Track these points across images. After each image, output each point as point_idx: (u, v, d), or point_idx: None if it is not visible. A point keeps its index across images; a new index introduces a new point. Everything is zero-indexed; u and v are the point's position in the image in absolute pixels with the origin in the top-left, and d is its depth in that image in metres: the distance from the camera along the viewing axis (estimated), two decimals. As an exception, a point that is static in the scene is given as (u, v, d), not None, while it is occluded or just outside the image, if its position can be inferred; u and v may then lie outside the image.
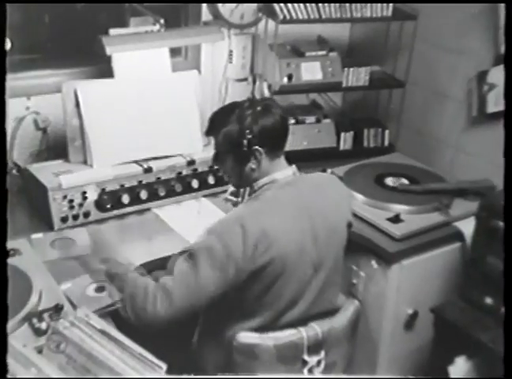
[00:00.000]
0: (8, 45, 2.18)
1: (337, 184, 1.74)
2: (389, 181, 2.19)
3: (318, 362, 1.65)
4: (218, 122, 1.61)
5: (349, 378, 1.74)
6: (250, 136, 1.53)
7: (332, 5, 2.28)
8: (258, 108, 1.56)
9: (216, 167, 2.08)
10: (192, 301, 1.49)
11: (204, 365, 1.67)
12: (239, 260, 1.47)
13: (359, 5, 2.31)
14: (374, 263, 1.95)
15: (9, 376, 1.02)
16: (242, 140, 1.54)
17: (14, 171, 2.04)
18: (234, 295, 1.54)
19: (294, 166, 1.64)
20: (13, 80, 2.09)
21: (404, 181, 2.20)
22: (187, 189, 2.09)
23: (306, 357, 1.63)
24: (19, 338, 1.20)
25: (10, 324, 1.35)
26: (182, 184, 2.08)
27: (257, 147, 1.55)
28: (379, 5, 2.33)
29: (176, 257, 1.58)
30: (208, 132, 1.66)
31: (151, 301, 1.47)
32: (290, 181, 1.60)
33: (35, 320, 1.38)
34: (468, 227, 1.97)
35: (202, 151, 2.15)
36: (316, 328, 1.63)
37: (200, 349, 1.69)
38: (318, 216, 1.59)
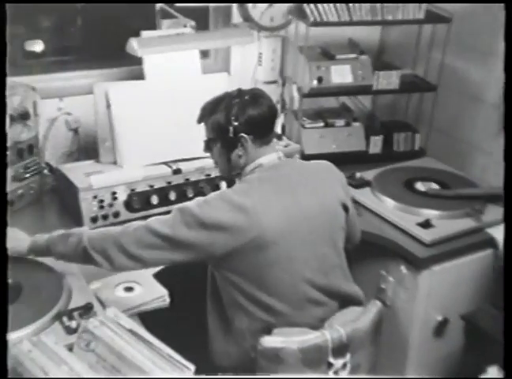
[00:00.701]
0: (41, 47, 2.24)
1: (330, 168, 1.74)
2: (420, 185, 2.16)
3: (344, 365, 1.64)
4: (208, 110, 1.66)
5: (354, 378, 1.71)
6: (236, 124, 1.59)
7: (363, 7, 2.27)
8: (246, 97, 1.61)
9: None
10: (161, 249, 1.50)
11: (222, 365, 1.67)
12: (215, 229, 1.49)
13: (390, 7, 2.29)
14: (403, 268, 1.93)
15: (41, 372, 1.03)
16: (228, 127, 1.59)
17: (46, 171, 2.07)
18: (230, 281, 1.56)
19: (280, 152, 1.68)
20: (45, 82, 2.14)
21: (435, 185, 2.17)
22: (215, 191, 2.09)
23: (331, 359, 1.61)
24: (50, 335, 1.20)
25: (42, 322, 1.37)
26: (210, 186, 2.08)
27: (243, 134, 1.60)
28: (411, 7, 2.30)
29: None
30: (199, 119, 1.70)
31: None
32: (275, 164, 1.63)
33: (65, 319, 1.39)
34: (500, 233, 1.92)
35: (231, 153, 2.15)
36: (340, 330, 1.61)
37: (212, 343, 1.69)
38: (304, 195, 1.60)
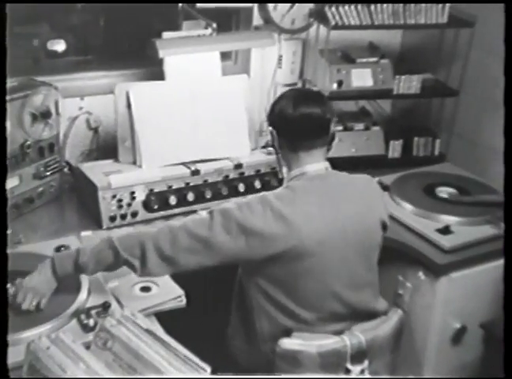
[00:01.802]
0: (63, 46, 2.26)
1: (372, 183, 1.72)
2: (440, 191, 2.14)
3: (362, 371, 1.63)
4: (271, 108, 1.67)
5: (354, 378, 1.69)
6: (273, 128, 1.63)
7: (385, 10, 2.26)
8: (286, 101, 1.60)
9: (262, 172, 2.11)
10: (195, 252, 1.48)
11: (239, 362, 1.67)
12: (254, 235, 1.47)
13: (413, 11, 2.27)
14: (421, 274, 1.91)
15: (59, 369, 1.03)
16: (271, 129, 1.64)
17: (66, 170, 2.09)
18: (258, 282, 1.55)
19: (327, 162, 1.64)
20: (67, 81, 2.16)
21: (455, 191, 2.14)
22: (233, 193, 2.09)
23: (349, 365, 1.60)
24: (68, 333, 1.21)
25: (60, 319, 1.38)
26: (228, 187, 2.08)
27: (280, 137, 1.61)
28: (434, 11, 2.29)
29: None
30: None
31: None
32: (321, 174, 1.60)
33: (83, 317, 1.40)
34: (521, 241, 1.90)
35: (250, 155, 2.15)
36: (360, 337, 1.60)
37: (232, 344, 1.69)
38: (346, 210, 1.57)
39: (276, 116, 1.62)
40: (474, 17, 2.31)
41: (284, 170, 1.69)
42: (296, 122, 1.58)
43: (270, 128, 1.63)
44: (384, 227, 1.68)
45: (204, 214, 1.54)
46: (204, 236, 1.47)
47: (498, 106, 2.33)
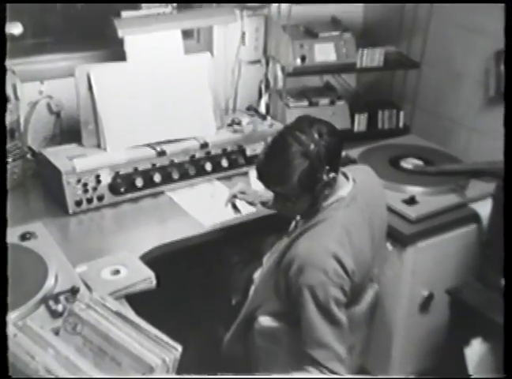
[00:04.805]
0: (20, 29, 2.19)
1: (376, 178, 1.72)
2: (404, 163, 2.17)
3: None
4: (281, 170, 1.41)
5: (355, 378, 1.73)
6: (327, 167, 1.41)
7: (346, -16, 2.25)
8: (314, 134, 1.40)
9: (229, 150, 2.09)
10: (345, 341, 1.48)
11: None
12: (348, 286, 1.47)
13: (373, -17, 2.27)
14: (389, 245, 1.94)
15: (27, 356, 1.03)
16: (319, 175, 1.41)
17: (29, 156, 2.05)
18: None
19: (350, 175, 1.56)
20: (25, 65, 2.11)
21: (419, 162, 2.17)
22: (201, 172, 2.08)
23: None
24: (36, 320, 1.21)
25: (27, 306, 1.36)
26: (195, 167, 2.07)
27: (331, 173, 1.44)
28: (394, -17, 2.29)
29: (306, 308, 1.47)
30: (274, 186, 1.47)
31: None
32: (353, 196, 1.53)
33: (51, 303, 1.39)
34: (484, 208, 1.95)
35: (215, 134, 2.14)
36: None
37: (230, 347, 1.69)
38: (375, 220, 1.59)
39: (330, 152, 1.42)
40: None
41: None
42: (339, 144, 1.47)
43: (324, 175, 1.42)
44: None
45: (320, 318, 1.45)
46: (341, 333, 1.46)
47: (458, 77, 2.38)
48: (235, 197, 1.86)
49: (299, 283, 1.43)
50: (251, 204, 1.87)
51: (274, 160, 1.43)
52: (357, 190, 1.55)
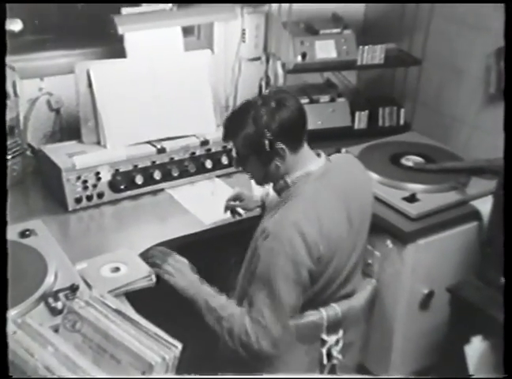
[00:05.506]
0: (19, 26, 2.19)
1: (360, 166, 1.72)
2: (405, 160, 2.17)
3: (337, 341, 1.65)
4: (234, 126, 1.55)
5: (355, 378, 1.73)
6: (269, 135, 1.48)
7: (346, -20, 2.24)
8: (272, 104, 1.49)
9: (229, 148, 2.08)
10: (286, 321, 1.50)
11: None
12: (306, 264, 1.47)
13: (374, -20, 2.27)
14: (389, 243, 1.94)
15: (26, 354, 1.03)
16: (262, 140, 1.49)
17: (28, 152, 2.05)
18: None
19: (322, 153, 1.60)
20: (25, 61, 2.10)
21: (420, 160, 2.17)
22: (201, 170, 2.08)
23: (324, 336, 1.63)
24: (35, 317, 1.20)
25: (27, 304, 1.36)
26: (195, 164, 2.07)
27: (280, 144, 1.50)
28: (395, -20, 2.28)
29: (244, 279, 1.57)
30: (226, 137, 1.60)
31: (254, 340, 1.47)
32: (324, 171, 1.56)
33: (50, 300, 1.39)
34: (485, 205, 1.94)
35: (216, 131, 2.13)
36: (336, 308, 1.62)
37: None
38: (353, 203, 1.58)
39: (276, 123, 1.49)
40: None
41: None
42: (297, 120, 1.52)
43: (267, 141, 1.49)
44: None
45: (258, 289, 1.50)
46: (279, 308, 1.48)
47: (459, 74, 2.37)
48: (231, 203, 1.87)
49: (258, 250, 1.49)
50: (247, 209, 1.88)
51: (231, 117, 1.59)
52: (329, 168, 1.57)
